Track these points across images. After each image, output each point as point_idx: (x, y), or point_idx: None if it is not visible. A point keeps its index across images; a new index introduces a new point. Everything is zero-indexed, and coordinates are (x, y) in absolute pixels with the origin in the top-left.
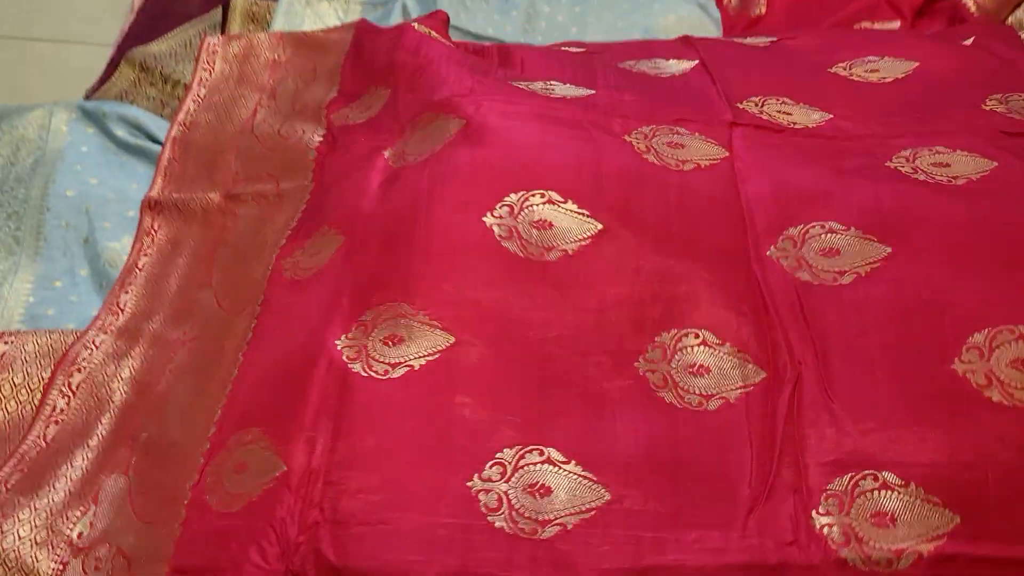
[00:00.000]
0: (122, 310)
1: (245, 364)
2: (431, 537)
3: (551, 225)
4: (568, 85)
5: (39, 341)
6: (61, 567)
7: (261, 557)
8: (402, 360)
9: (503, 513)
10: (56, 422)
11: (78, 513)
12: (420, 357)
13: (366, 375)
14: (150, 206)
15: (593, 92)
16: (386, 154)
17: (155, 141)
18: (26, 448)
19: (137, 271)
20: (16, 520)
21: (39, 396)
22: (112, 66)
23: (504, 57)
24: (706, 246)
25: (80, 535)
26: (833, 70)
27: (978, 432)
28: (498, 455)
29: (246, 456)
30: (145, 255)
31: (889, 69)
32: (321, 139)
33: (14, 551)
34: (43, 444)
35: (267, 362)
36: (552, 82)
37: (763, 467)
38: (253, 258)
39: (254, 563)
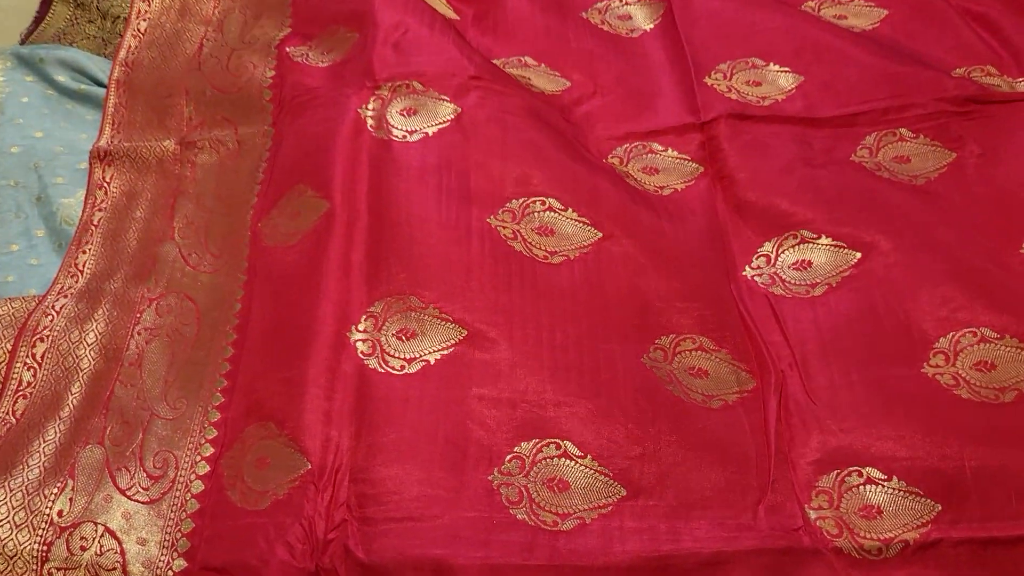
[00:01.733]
0: (81, 271)
1: (240, 342)
2: (455, 531)
3: (553, 232)
4: (542, 67)
5: (1, 311)
6: (46, 548)
7: (290, 554)
8: (417, 355)
9: (524, 506)
10: (24, 396)
11: (55, 490)
12: (434, 351)
13: (383, 371)
14: (100, 157)
15: (568, 85)
16: (363, 114)
17: (100, 84)
18: None
19: (93, 228)
20: None
21: (4, 370)
22: (46, 4)
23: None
24: (692, 261)
25: (60, 512)
26: (804, 8)
27: (952, 426)
28: (516, 448)
29: (266, 451)
30: (100, 210)
31: (857, 16)
32: (274, 74)
33: None
34: (12, 420)
35: (268, 346)
36: (526, 60)
37: (763, 464)
38: (221, 213)
39: (283, 559)
